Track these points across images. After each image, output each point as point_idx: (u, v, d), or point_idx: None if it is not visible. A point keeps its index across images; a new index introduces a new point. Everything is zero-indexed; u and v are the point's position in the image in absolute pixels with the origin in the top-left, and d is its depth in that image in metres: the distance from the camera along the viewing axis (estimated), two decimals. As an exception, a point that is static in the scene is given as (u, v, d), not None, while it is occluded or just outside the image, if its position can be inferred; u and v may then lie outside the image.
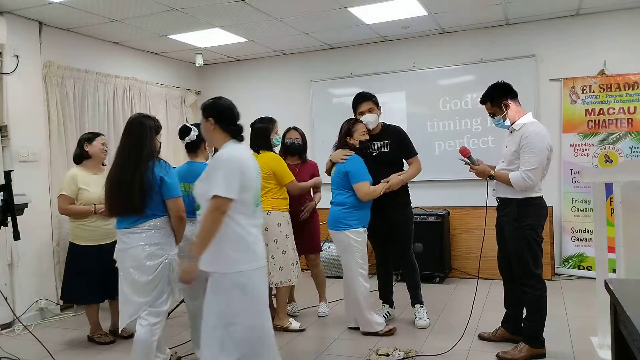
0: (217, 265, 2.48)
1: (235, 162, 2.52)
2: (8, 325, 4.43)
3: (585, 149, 5.45)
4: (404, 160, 4.12)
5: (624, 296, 1.62)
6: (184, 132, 3.44)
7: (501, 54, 5.73)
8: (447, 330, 3.89)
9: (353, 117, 4.03)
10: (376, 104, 4.07)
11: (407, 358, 3.39)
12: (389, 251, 4.19)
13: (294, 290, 4.55)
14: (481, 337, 3.71)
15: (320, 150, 6.03)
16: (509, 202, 3.32)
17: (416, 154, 4.07)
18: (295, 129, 4.45)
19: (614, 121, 5.34)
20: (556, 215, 5.55)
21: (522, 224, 3.26)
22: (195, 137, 3.40)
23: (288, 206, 4.13)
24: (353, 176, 3.76)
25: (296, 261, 4.08)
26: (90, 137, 4.05)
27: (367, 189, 3.78)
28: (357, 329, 3.96)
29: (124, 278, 2.97)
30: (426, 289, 4.29)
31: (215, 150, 2.75)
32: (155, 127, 3.07)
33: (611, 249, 3.03)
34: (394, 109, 5.90)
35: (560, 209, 5.56)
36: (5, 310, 4.15)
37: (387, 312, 4.23)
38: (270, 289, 4.03)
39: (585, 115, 5.46)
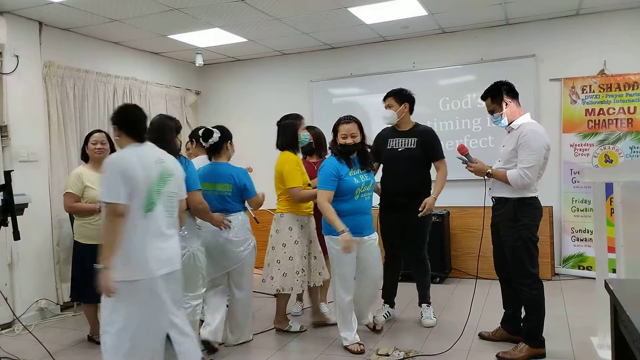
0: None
1: (115, 166, 2.53)
2: (8, 325, 4.43)
3: (585, 149, 5.45)
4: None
5: (624, 296, 1.62)
6: (207, 134, 3.64)
7: (501, 54, 5.73)
8: (448, 331, 3.89)
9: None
10: (401, 99, 4.02)
11: (407, 358, 3.39)
12: (403, 251, 4.19)
13: (319, 291, 4.29)
14: (481, 337, 3.71)
15: (320, 150, 6.03)
16: (505, 201, 3.32)
17: (443, 157, 4.07)
18: (309, 128, 4.40)
19: (614, 121, 5.34)
20: (556, 215, 5.55)
21: (518, 223, 3.26)
22: (217, 139, 3.63)
23: (311, 209, 3.96)
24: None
25: (302, 269, 3.83)
26: (86, 137, 4.05)
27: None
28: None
29: None
30: (426, 289, 4.30)
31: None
32: (176, 127, 3.26)
33: (611, 249, 3.03)
34: (394, 109, 5.89)
35: (560, 209, 5.56)
36: (5, 310, 4.15)
37: (387, 312, 4.24)
38: (284, 294, 3.94)
39: (585, 115, 5.46)
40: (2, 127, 4.52)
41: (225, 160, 3.72)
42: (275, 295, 4.04)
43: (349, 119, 3.60)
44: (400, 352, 3.45)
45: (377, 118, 4.91)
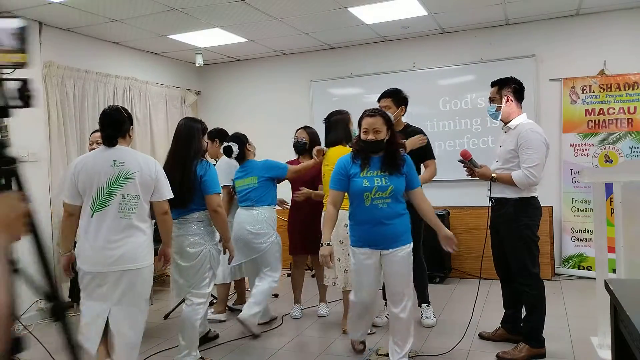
0: None
1: (69, 169, 2.96)
2: (8, 325, 4.42)
3: (585, 149, 5.45)
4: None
5: (624, 296, 1.62)
6: (228, 152, 4.00)
7: (501, 54, 5.73)
8: (448, 331, 3.89)
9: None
10: (399, 101, 4.01)
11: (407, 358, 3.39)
12: None
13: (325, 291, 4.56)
14: (481, 337, 3.71)
15: (320, 150, 6.03)
16: (505, 202, 3.32)
17: (433, 157, 4.08)
18: (304, 128, 4.47)
19: (614, 121, 5.34)
20: (556, 215, 5.55)
21: (519, 223, 3.26)
22: (238, 151, 4.00)
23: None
24: None
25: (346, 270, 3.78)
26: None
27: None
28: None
29: (173, 266, 3.40)
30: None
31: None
32: (202, 128, 3.43)
33: (611, 249, 3.04)
34: (394, 109, 5.90)
35: (560, 209, 5.55)
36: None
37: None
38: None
39: (585, 115, 5.46)
40: (2, 127, 4.52)
41: (252, 157, 4.15)
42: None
43: (373, 112, 3.15)
44: (400, 352, 3.44)
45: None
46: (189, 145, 3.29)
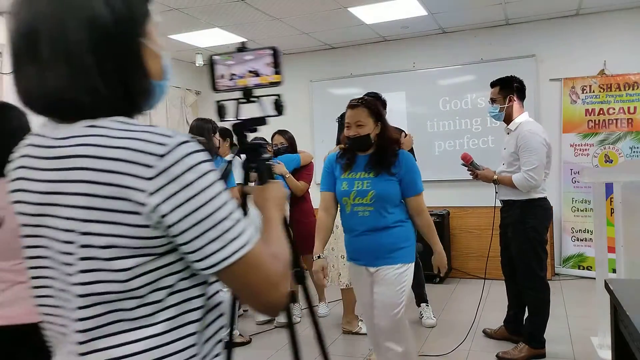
0: None
1: None
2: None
3: (585, 149, 5.45)
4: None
5: (624, 296, 1.63)
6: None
7: (501, 54, 5.72)
8: (448, 331, 3.89)
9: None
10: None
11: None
12: None
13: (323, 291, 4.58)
14: (485, 333, 3.72)
15: (320, 150, 6.03)
16: (512, 203, 3.31)
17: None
18: (280, 133, 4.41)
19: (614, 121, 5.33)
20: (556, 215, 5.54)
21: (526, 226, 3.24)
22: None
23: None
24: None
25: None
26: None
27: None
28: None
29: None
30: (426, 289, 4.29)
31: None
32: (213, 128, 3.59)
33: (611, 249, 3.03)
34: (394, 109, 5.81)
35: (560, 209, 5.55)
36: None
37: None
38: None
39: (585, 115, 5.46)
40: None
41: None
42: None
43: (356, 103, 2.64)
44: (400, 352, 3.44)
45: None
46: (202, 144, 3.47)
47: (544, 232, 3.30)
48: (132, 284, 0.82)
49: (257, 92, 1.37)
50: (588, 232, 5.38)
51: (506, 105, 3.35)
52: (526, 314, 3.43)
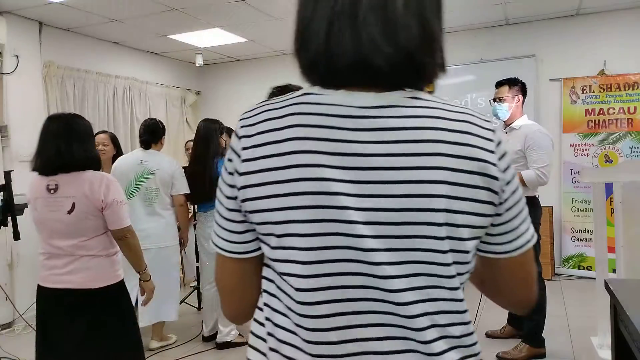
0: None
1: (112, 167, 3.55)
2: (8, 325, 4.42)
3: (585, 149, 5.45)
4: None
5: (624, 296, 1.62)
6: None
7: (501, 54, 5.72)
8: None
9: None
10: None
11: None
12: None
13: None
14: (488, 335, 3.71)
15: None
16: None
17: None
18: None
19: (614, 121, 5.34)
20: (556, 215, 5.55)
21: None
22: None
23: None
24: None
25: None
26: None
27: None
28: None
29: (201, 250, 3.87)
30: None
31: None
32: (220, 128, 3.69)
33: (611, 249, 3.03)
34: (394, 109, 5.90)
35: (560, 209, 5.55)
36: (5, 310, 4.15)
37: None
38: None
39: (585, 115, 5.46)
40: (2, 127, 4.52)
41: None
42: None
43: None
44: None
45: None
46: (208, 145, 3.61)
47: (538, 229, 3.33)
48: (450, 270, 0.75)
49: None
50: (588, 232, 5.38)
51: (514, 105, 3.38)
52: (525, 314, 3.43)
